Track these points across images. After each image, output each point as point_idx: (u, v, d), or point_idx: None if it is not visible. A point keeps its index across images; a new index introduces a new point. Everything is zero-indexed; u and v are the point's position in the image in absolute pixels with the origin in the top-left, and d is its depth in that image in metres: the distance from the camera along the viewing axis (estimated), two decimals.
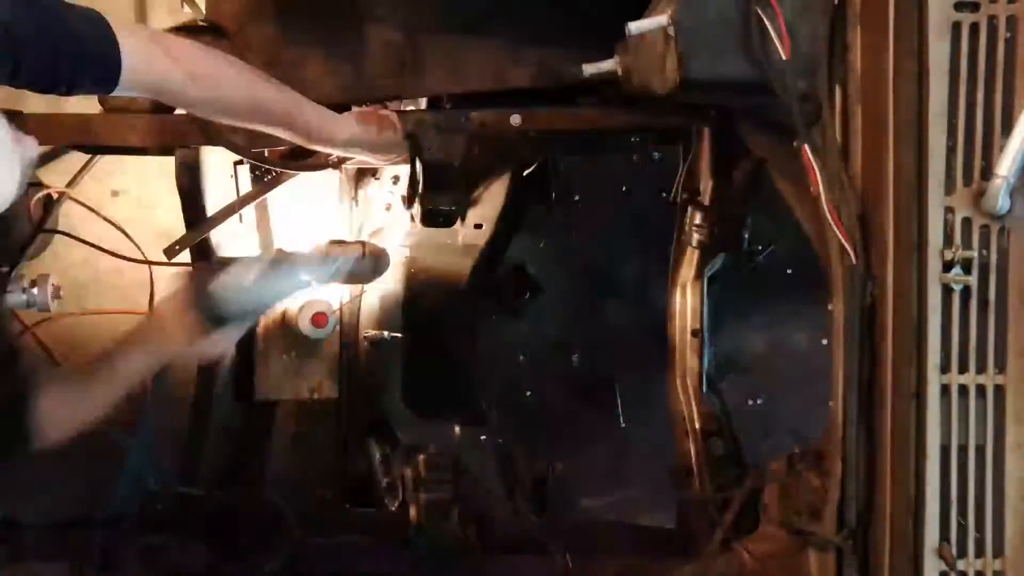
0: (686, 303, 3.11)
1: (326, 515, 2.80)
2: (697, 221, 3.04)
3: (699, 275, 3.09)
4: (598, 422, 3.48)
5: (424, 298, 2.97)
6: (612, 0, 2.38)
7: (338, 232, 2.92)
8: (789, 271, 3.49)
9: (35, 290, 2.81)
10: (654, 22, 2.02)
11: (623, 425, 3.47)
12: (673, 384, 3.12)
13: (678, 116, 2.58)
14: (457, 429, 2.85)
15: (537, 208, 3.21)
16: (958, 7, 1.89)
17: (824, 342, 3.55)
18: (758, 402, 3.53)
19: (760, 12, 1.95)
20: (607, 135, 2.77)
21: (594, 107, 2.56)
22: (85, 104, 2.50)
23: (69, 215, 3.10)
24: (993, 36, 1.88)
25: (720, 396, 3.12)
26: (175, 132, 2.57)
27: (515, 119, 2.51)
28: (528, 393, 3.42)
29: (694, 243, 3.04)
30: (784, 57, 1.94)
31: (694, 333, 3.12)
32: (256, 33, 2.48)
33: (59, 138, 2.59)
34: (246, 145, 2.53)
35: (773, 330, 3.59)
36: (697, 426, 3.04)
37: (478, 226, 2.92)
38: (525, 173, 3.02)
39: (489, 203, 2.96)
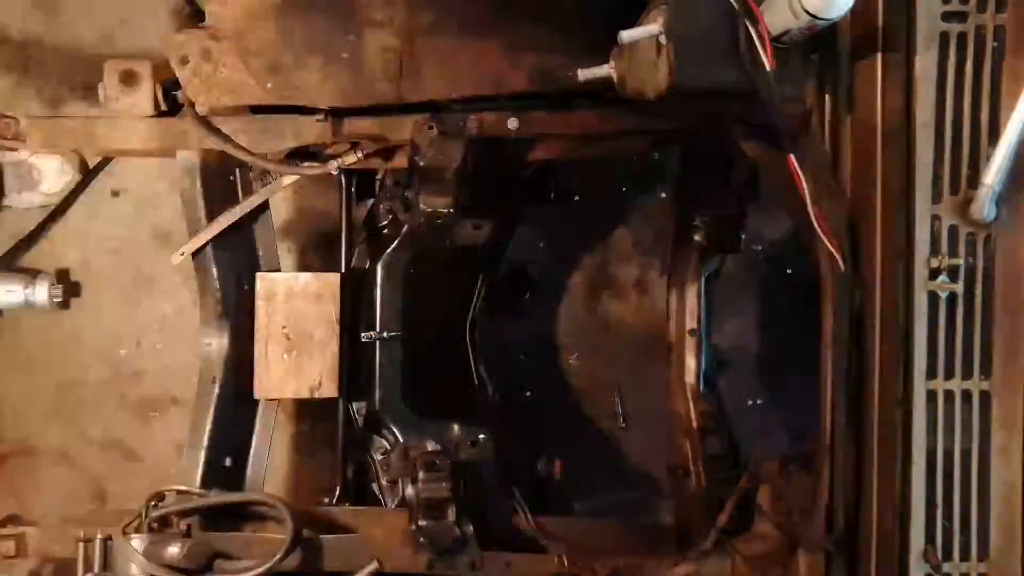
0: (684, 303, 3.14)
1: (326, 512, 2.82)
2: (695, 222, 3.06)
3: (697, 275, 3.12)
4: (597, 422, 3.50)
5: (424, 298, 2.98)
6: (608, 5, 2.41)
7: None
8: (788, 271, 3.51)
9: (34, 291, 2.83)
10: (646, 31, 2.04)
11: (622, 425, 3.49)
12: (671, 383, 3.15)
13: (674, 119, 2.60)
14: (456, 428, 2.86)
15: (537, 208, 3.23)
16: (946, 17, 1.91)
17: None
18: (756, 402, 3.55)
19: (747, 23, 1.97)
20: (604, 138, 2.79)
21: (591, 110, 2.58)
22: (87, 107, 2.53)
23: (69, 212, 3.12)
24: (980, 46, 1.90)
25: (717, 395, 3.14)
26: (177, 135, 2.59)
27: (512, 123, 2.54)
28: (528, 393, 3.44)
29: (692, 243, 3.06)
30: (769, 68, 1.95)
31: (692, 333, 3.15)
32: (256, 37, 2.49)
33: (62, 142, 2.61)
34: (247, 148, 2.56)
35: (770, 330, 3.60)
36: (695, 425, 3.06)
37: (478, 226, 2.93)
38: (525, 173, 3.04)
39: (489, 203, 2.97)
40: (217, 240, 2.71)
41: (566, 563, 2.59)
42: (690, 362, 3.12)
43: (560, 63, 2.48)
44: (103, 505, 2.99)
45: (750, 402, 3.59)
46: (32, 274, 2.92)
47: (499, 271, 3.28)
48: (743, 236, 3.06)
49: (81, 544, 2.47)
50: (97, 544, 2.47)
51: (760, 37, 1.95)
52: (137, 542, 2.45)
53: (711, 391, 3.13)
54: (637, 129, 2.65)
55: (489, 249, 3.00)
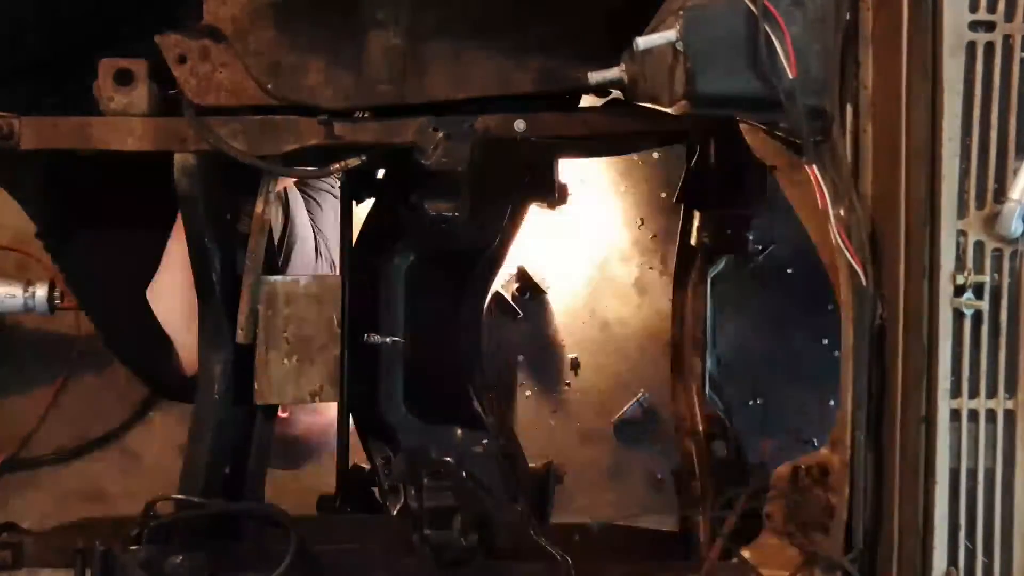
0: (689, 305, 3.09)
1: (327, 520, 2.78)
2: (701, 223, 3.02)
3: (702, 277, 3.07)
4: (598, 422, 3.48)
5: (426, 301, 2.94)
6: (616, 5, 2.36)
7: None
8: (789, 271, 3.49)
9: (35, 294, 2.78)
10: (662, 37, 1.98)
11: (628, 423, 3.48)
12: (676, 386, 3.11)
13: (684, 121, 2.55)
14: (459, 432, 2.83)
15: (537, 208, 3.18)
16: (973, 26, 1.85)
17: (824, 342, 3.58)
18: (759, 402, 3.53)
19: (768, 29, 1.92)
20: (612, 139, 2.74)
21: (600, 111, 2.53)
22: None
23: None
24: (1008, 56, 1.85)
25: (723, 398, 3.11)
26: (174, 136, 2.53)
27: (519, 125, 2.48)
28: (528, 393, 3.42)
29: (698, 245, 3.02)
30: (791, 76, 1.90)
31: (697, 335, 3.10)
32: (256, 38, 2.44)
33: (58, 141, 2.54)
34: (247, 150, 2.50)
35: (771, 330, 3.59)
36: (700, 428, 3.03)
37: (479, 227, 2.89)
38: (527, 174, 2.99)
39: (490, 204, 2.93)
40: (216, 242, 2.66)
41: (572, 572, 2.55)
42: (695, 365, 3.08)
43: (568, 64, 2.44)
44: (103, 506, 2.95)
45: (751, 402, 3.58)
46: (31, 278, 2.86)
47: (499, 272, 3.24)
48: (751, 238, 3.01)
49: (79, 557, 2.43)
50: (95, 556, 2.43)
51: (782, 44, 1.91)
52: (136, 553, 2.41)
53: (716, 394, 3.09)
54: (646, 130, 2.61)
55: (492, 251, 2.95)
